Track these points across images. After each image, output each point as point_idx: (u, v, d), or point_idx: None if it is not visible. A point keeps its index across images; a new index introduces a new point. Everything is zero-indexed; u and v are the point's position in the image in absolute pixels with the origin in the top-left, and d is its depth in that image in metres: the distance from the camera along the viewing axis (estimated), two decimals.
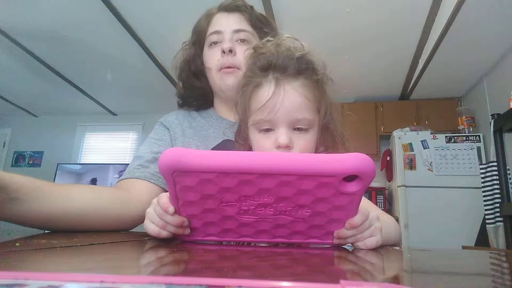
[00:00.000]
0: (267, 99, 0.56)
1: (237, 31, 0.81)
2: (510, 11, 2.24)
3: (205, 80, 0.86)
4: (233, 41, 0.81)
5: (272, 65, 0.59)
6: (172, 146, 0.82)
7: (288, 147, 0.56)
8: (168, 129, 0.85)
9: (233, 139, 0.73)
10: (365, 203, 0.48)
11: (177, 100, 0.93)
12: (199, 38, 0.86)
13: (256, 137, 0.60)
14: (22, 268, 0.26)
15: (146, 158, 0.78)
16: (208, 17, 0.86)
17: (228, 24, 0.82)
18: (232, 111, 0.68)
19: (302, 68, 0.59)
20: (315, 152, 0.62)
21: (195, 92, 0.89)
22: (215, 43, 0.82)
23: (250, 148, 0.64)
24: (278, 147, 0.56)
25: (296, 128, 0.58)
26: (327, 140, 0.63)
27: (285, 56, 0.59)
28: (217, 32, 0.81)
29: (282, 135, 0.56)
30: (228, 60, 0.79)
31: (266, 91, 0.58)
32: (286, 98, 0.56)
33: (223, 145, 0.79)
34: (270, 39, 0.64)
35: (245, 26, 0.83)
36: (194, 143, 0.82)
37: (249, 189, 0.40)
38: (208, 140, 0.82)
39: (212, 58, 0.81)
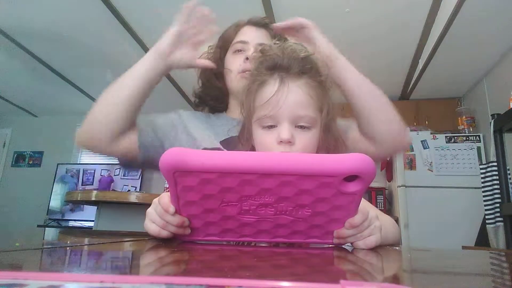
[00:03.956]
0: (271, 95, 0.58)
1: (262, 44, 0.84)
2: (510, 11, 2.24)
3: (223, 82, 0.90)
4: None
5: (277, 65, 0.61)
6: (178, 127, 0.85)
7: (290, 143, 0.58)
8: (179, 115, 0.89)
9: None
10: (364, 203, 0.48)
11: (193, 100, 0.97)
12: (224, 44, 0.90)
13: (259, 134, 0.61)
14: (22, 268, 0.26)
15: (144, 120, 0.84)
16: (237, 27, 0.91)
17: (254, 37, 0.87)
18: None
19: (306, 67, 0.61)
20: (316, 153, 0.62)
21: (213, 91, 0.92)
22: (239, 50, 0.87)
23: (252, 149, 0.65)
24: (280, 142, 0.58)
25: (299, 126, 0.59)
26: (329, 141, 0.64)
27: (290, 56, 0.62)
28: (243, 42, 0.87)
29: (284, 130, 0.58)
30: (249, 66, 0.81)
31: (271, 87, 0.60)
32: (290, 95, 0.58)
33: (231, 140, 0.81)
34: (276, 42, 0.67)
35: (269, 42, 0.85)
36: (207, 133, 0.84)
37: (250, 189, 0.40)
38: (218, 135, 0.85)
39: (235, 62, 0.86)
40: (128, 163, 0.84)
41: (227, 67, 0.88)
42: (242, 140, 0.68)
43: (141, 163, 0.83)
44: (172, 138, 0.84)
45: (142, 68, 0.78)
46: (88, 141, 0.78)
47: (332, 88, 0.67)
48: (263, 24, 0.90)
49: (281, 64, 0.61)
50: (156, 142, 0.82)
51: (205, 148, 0.80)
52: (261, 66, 0.64)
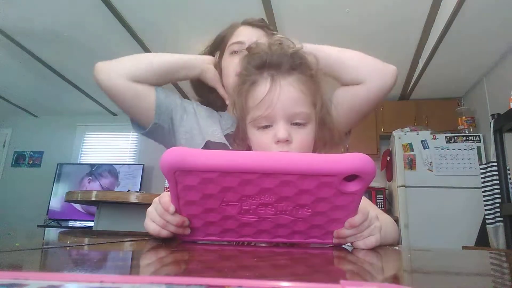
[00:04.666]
0: (264, 95, 0.58)
1: None
2: (510, 11, 2.24)
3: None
4: None
5: (266, 63, 0.60)
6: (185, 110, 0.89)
7: (287, 141, 0.57)
8: (194, 104, 0.92)
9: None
10: (364, 203, 0.48)
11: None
12: (221, 46, 0.91)
13: (254, 135, 0.61)
14: (22, 268, 0.26)
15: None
16: (231, 28, 0.91)
17: (250, 36, 0.86)
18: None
19: (296, 63, 0.60)
20: (314, 147, 0.63)
21: (210, 92, 0.93)
22: (236, 52, 0.86)
23: (248, 149, 0.64)
24: (278, 142, 0.57)
25: (294, 123, 0.58)
26: (325, 135, 0.64)
27: (278, 53, 0.61)
28: (239, 43, 0.86)
29: (281, 129, 0.57)
30: None
31: (262, 87, 0.59)
32: (282, 93, 0.57)
33: (206, 147, 0.83)
34: (263, 40, 0.66)
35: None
36: (213, 126, 0.87)
37: (250, 188, 0.40)
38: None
39: (232, 64, 0.85)
40: (137, 118, 0.86)
41: (225, 69, 0.88)
42: (237, 140, 0.68)
43: (151, 127, 0.84)
44: (179, 118, 0.87)
45: (186, 56, 0.88)
46: (106, 67, 0.82)
47: (323, 79, 0.66)
48: (259, 24, 0.89)
49: (270, 61, 0.60)
50: (168, 111, 0.85)
51: (208, 141, 0.82)
52: (249, 66, 0.62)
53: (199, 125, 0.86)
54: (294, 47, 0.62)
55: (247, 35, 0.86)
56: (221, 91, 0.88)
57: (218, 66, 0.90)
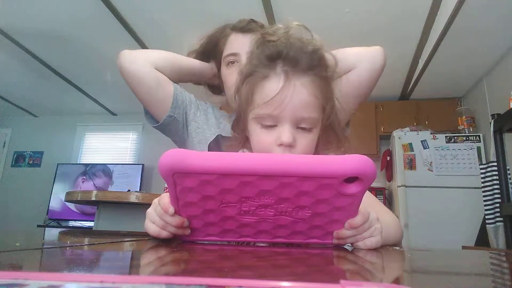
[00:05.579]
0: (275, 93, 0.53)
1: None
2: (510, 11, 2.24)
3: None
4: None
5: (282, 56, 0.55)
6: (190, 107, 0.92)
7: (291, 146, 0.54)
8: (207, 104, 0.97)
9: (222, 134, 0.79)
10: (369, 200, 0.47)
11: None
12: (215, 53, 0.93)
13: (256, 132, 0.57)
14: (22, 268, 0.26)
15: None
16: (223, 36, 0.91)
17: (243, 45, 0.84)
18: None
19: (314, 63, 0.56)
20: (316, 149, 0.60)
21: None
22: (232, 62, 0.87)
23: (246, 140, 0.62)
24: (280, 145, 0.54)
25: (300, 127, 0.55)
26: (331, 138, 0.61)
27: (297, 48, 0.55)
28: (233, 54, 0.87)
29: (286, 133, 0.54)
30: None
31: (274, 84, 0.54)
32: (295, 95, 0.53)
33: (216, 140, 0.86)
34: (280, 26, 0.60)
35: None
36: (224, 123, 0.91)
37: (250, 190, 0.40)
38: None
39: (231, 77, 0.85)
40: (153, 108, 0.88)
41: (225, 82, 0.89)
42: (236, 129, 0.65)
43: (165, 119, 0.87)
44: (193, 113, 0.90)
45: (199, 63, 0.94)
46: (131, 53, 0.86)
47: (337, 82, 0.62)
48: (250, 28, 0.87)
49: (286, 55, 0.55)
50: (184, 105, 0.89)
51: (219, 135, 0.85)
52: (261, 55, 0.57)
53: (211, 121, 0.90)
54: (314, 45, 0.57)
55: (239, 46, 0.86)
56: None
57: (218, 76, 0.93)
